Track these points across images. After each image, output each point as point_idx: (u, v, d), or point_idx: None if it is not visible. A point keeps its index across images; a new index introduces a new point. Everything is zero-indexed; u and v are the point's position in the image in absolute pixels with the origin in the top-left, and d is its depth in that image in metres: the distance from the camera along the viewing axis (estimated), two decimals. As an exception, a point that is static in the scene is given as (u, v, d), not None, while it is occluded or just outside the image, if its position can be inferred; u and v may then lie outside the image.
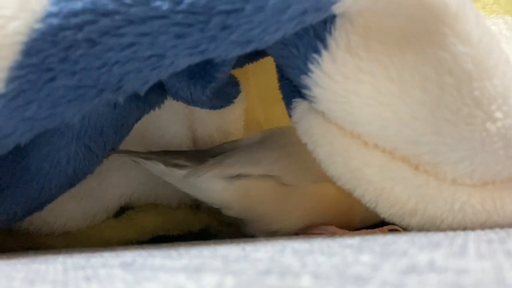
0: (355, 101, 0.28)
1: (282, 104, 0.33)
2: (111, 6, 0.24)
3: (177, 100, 0.35)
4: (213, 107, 0.36)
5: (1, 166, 0.30)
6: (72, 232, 0.41)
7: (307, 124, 0.31)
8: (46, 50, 0.24)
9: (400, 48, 0.28)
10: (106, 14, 0.24)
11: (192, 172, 0.35)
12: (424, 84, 0.27)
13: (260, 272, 0.16)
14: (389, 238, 0.24)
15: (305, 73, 0.29)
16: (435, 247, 0.20)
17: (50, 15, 0.24)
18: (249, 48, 0.26)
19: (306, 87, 0.29)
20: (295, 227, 0.35)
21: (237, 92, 0.38)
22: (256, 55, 0.35)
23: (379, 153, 0.29)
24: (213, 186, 0.35)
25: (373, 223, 0.36)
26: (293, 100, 0.31)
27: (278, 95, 0.33)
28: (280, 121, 0.40)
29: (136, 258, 0.22)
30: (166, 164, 0.35)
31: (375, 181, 0.29)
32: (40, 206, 0.35)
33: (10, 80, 0.24)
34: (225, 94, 0.37)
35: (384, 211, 0.30)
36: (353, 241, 0.24)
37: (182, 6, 0.24)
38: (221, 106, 0.37)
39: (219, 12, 0.24)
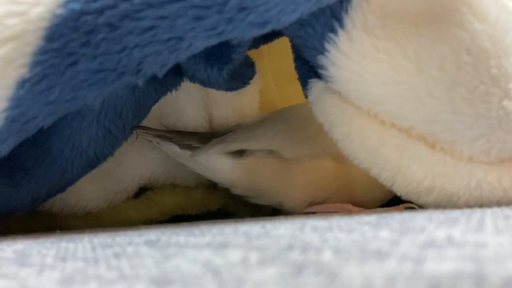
0: (372, 80, 0.28)
1: (296, 83, 0.33)
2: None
3: (194, 82, 0.35)
4: (229, 88, 0.37)
5: (24, 149, 0.31)
6: (93, 213, 0.42)
7: (323, 104, 0.31)
8: (67, 35, 0.25)
9: (417, 27, 0.28)
10: None
11: (198, 151, 0.36)
12: (441, 63, 0.28)
13: (283, 247, 0.17)
14: (407, 215, 0.25)
15: (322, 53, 0.29)
16: (453, 223, 0.21)
17: (71, 0, 0.24)
18: (266, 29, 0.26)
19: (322, 67, 0.29)
20: (298, 201, 0.36)
21: (253, 73, 0.38)
22: (272, 35, 0.35)
23: (396, 132, 0.29)
24: (219, 165, 0.37)
25: (379, 203, 0.37)
26: (309, 80, 0.32)
27: (292, 74, 0.33)
28: (294, 101, 0.40)
29: (160, 236, 0.23)
30: (180, 145, 0.36)
31: (392, 160, 0.29)
32: (62, 188, 0.35)
33: (34, 65, 0.25)
34: (240, 75, 0.37)
35: (401, 189, 0.30)
36: (370, 219, 0.24)
37: None
38: (237, 88, 0.38)
39: None
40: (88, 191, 0.40)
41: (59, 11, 0.24)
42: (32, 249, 0.23)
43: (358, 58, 0.28)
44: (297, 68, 0.33)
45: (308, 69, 0.31)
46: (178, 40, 0.25)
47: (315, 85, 0.31)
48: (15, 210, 0.35)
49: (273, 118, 0.37)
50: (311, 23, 0.29)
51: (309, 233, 0.20)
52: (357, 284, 0.12)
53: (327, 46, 0.28)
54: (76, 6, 0.24)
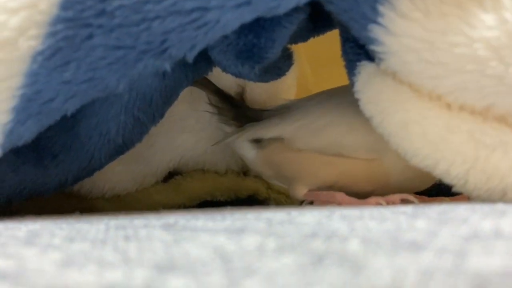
0: (440, 42, 0.23)
1: (330, 67, 0.30)
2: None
3: (226, 72, 0.33)
4: (263, 80, 0.35)
5: (52, 134, 0.30)
6: (122, 195, 0.41)
7: (374, 90, 0.27)
8: (82, 2, 0.23)
9: None
10: None
11: (224, 138, 0.35)
12: None
13: (305, 235, 0.15)
14: (446, 206, 0.23)
15: (374, 21, 0.24)
16: (500, 215, 0.18)
17: None
18: None
19: (375, 41, 0.25)
20: (300, 196, 0.34)
21: (290, 65, 0.35)
22: (323, 27, 0.31)
23: (467, 116, 0.24)
24: (246, 152, 0.35)
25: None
26: (358, 63, 0.28)
27: (328, 58, 0.30)
28: (329, 84, 0.38)
29: (178, 220, 0.22)
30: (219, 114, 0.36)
31: (465, 150, 0.25)
32: (90, 173, 0.35)
33: (47, 36, 0.24)
34: (276, 68, 0.35)
35: (478, 187, 0.25)
36: (406, 209, 0.22)
37: None
38: (272, 79, 0.35)
39: None
40: (116, 173, 0.40)
41: None
42: (45, 229, 0.22)
43: (421, 16, 0.23)
44: (344, 52, 0.29)
45: (357, 52, 0.27)
46: (202, 10, 0.23)
47: (365, 68, 0.27)
48: (42, 192, 0.35)
49: (292, 107, 0.35)
50: None
51: (336, 220, 0.18)
52: (385, 279, 0.10)
53: (381, 9, 0.24)
54: None
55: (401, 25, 0.24)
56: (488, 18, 0.23)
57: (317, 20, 0.30)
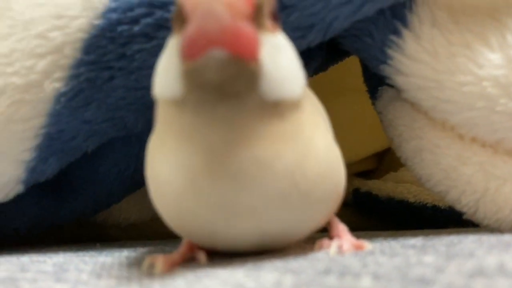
0: (448, 82, 0.24)
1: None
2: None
3: None
4: None
5: (73, 170, 0.31)
6: (137, 224, 0.42)
7: (393, 114, 0.28)
8: (104, 46, 0.25)
9: (494, 17, 0.24)
10: (161, 6, 0.24)
11: None
12: None
13: (320, 271, 0.16)
14: (455, 237, 0.23)
15: (384, 62, 0.26)
16: (506, 248, 0.19)
17: (110, 10, 0.24)
18: (313, 35, 0.25)
19: (388, 78, 0.26)
20: None
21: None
22: (342, 54, 0.32)
23: (479, 148, 0.25)
24: None
25: None
26: (379, 88, 0.29)
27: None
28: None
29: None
30: None
31: (475, 181, 0.25)
32: (107, 206, 0.36)
33: (71, 78, 0.25)
34: None
35: (488, 217, 0.26)
36: (416, 241, 0.23)
37: None
38: None
39: None
40: (131, 203, 0.41)
41: (98, 21, 0.24)
42: (71, 262, 0.23)
43: (429, 58, 0.24)
44: (366, 77, 0.30)
45: (378, 77, 0.28)
46: None
47: (386, 92, 0.28)
48: (61, 223, 0.36)
49: None
50: (368, 30, 0.26)
51: (349, 256, 0.19)
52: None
53: (389, 52, 0.25)
54: (114, 15, 0.24)
55: (410, 66, 0.25)
56: (495, 57, 0.24)
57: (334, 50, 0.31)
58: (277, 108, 0.18)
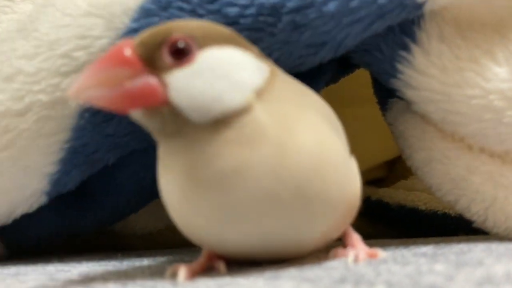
0: (457, 95, 0.25)
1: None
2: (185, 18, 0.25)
3: None
4: None
5: (93, 181, 0.32)
6: (153, 233, 0.43)
7: (403, 125, 0.29)
8: None
9: (500, 33, 0.25)
10: None
11: None
12: None
13: (335, 280, 0.17)
14: (465, 246, 0.24)
15: (394, 76, 0.27)
16: (513, 256, 0.20)
17: (131, 30, 0.26)
18: (325, 52, 0.26)
19: (398, 92, 0.27)
20: None
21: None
22: (352, 67, 0.32)
23: (487, 158, 0.26)
24: None
25: None
26: (389, 100, 0.30)
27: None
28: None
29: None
30: None
31: (484, 190, 0.26)
32: (126, 216, 0.37)
33: None
34: None
35: (497, 225, 0.26)
36: (427, 249, 0.24)
37: (251, 10, 0.25)
38: None
39: (289, 10, 0.24)
40: (147, 211, 0.41)
41: (119, 41, 0.25)
42: (95, 272, 0.24)
43: (438, 72, 0.25)
44: (376, 89, 0.31)
45: (387, 89, 0.29)
46: None
47: (396, 104, 0.29)
48: (80, 233, 0.37)
49: None
50: (378, 45, 0.27)
51: (363, 265, 0.20)
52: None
53: (399, 67, 0.26)
54: (134, 36, 0.25)
55: (419, 80, 0.26)
56: (502, 71, 0.25)
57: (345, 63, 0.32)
58: (222, 121, 0.19)
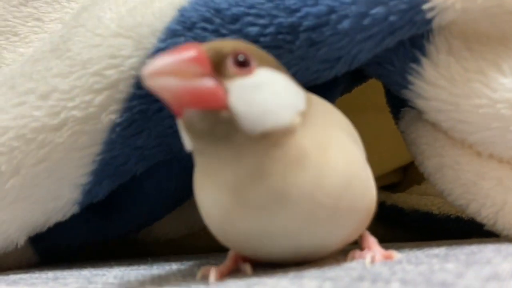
0: (465, 105, 0.26)
1: None
2: (209, 39, 0.27)
3: None
4: None
5: (120, 190, 0.34)
6: (176, 239, 0.45)
7: (415, 133, 0.30)
8: None
9: (505, 45, 0.27)
10: None
11: None
12: None
13: (354, 278, 0.19)
14: (475, 247, 0.26)
15: (406, 87, 0.28)
16: (520, 256, 0.21)
17: (158, 50, 0.27)
18: (339, 66, 0.27)
19: (409, 102, 0.29)
20: None
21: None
22: (365, 77, 0.34)
23: (496, 164, 0.28)
24: None
25: None
26: (401, 109, 0.31)
27: None
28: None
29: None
30: None
31: (494, 194, 0.28)
32: (150, 224, 0.39)
33: (125, 110, 0.28)
34: None
35: (507, 228, 0.28)
36: (440, 251, 0.25)
37: (270, 29, 0.26)
38: None
39: (306, 28, 0.26)
40: (170, 218, 0.43)
41: (148, 60, 0.27)
42: (129, 275, 0.26)
43: (447, 84, 0.27)
44: (388, 98, 0.33)
45: (400, 99, 0.30)
46: None
47: (408, 113, 0.31)
48: (106, 241, 0.39)
49: None
50: (389, 58, 0.28)
51: (379, 265, 0.21)
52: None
53: (410, 78, 0.28)
54: None
55: (429, 91, 0.28)
56: (508, 82, 0.26)
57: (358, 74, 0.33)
58: (269, 138, 0.20)
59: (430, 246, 0.28)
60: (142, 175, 0.35)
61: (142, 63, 0.27)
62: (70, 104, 0.28)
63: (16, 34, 0.37)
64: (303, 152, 0.21)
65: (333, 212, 0.21)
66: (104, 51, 0.28)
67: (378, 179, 0.57)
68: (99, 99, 0.28)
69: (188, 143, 0.21)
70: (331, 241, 0.23)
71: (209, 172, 0.21)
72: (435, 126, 0.29)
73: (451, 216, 0.41)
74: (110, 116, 0.28)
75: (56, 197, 0.31)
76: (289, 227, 0.21)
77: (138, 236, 0.44)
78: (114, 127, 0.29)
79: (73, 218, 0.33)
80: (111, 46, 0.28)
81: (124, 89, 0.28)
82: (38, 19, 0.38)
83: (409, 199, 0.47)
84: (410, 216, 0.46)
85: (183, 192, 0.37)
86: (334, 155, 0.21)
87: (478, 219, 0.29)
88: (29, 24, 0.38)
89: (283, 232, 0.21)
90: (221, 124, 0.20)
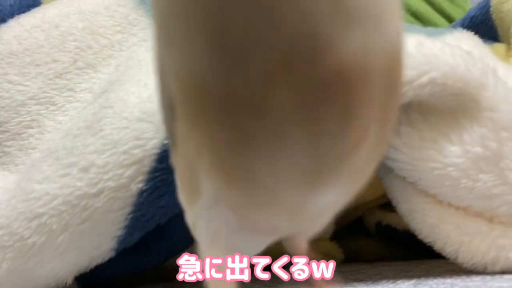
0: (423, 167, 0.32)
1: None
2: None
3: None
4: None
5: (148, 234, 0.41)
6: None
7: (389, 182, 0.36)
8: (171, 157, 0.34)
9: (455, 118, 0.33)
10: None
11: None
12: (483, 142, 0.32)
13: None
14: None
15: None
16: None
17: None
18: None
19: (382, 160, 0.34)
20: None
21: None
22: None
23: (454, 211, 0.33)
24: None
25: None
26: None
27: None
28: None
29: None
30: None
31: (453, 236, 0.33)
32: (174, 256, 0.45)
33: (149, 180, 0.35)
34: None
35: (466, 261, 0.33)
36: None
37: None
38: None
39: None
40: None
41: (168, 141, 0.34)
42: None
43: (407, 150, 0.33)
44: None
45: None
46: None
47: (384, 165, 0.35)
48: (135, 274, 0.45)
49: None
50: None
51: None
52: None
53: None
54: None
55: (394, 154, 0.34)
56: (456, 149, 0.32)
57: None
58: None
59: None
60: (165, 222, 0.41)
61: (162, 143, 0.34)
62: (106, 177, 0.35)
63: (54, 104, 0.44)
64: None
65: None
66: (130, 133, 0.34)
67: (376, 198, 0.63)
68: (128, 172, 0.34)
69: None
70: None
71: None
72: (405, 178, 0.35)
73: None
74: (137, 185, 0.35)
75: (97, 247, 0.37)
76: None
77: (164, 265, 0.50)
78: (141, 193, 0.35)
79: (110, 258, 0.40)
80: (136, 130, 0.34)
81: (148, 164, 0.34)
82: (70, 89, 0.44)
83: (401, 220, 0.53)
84: (402, 235, 0.51)
85: None
86: None
87: (443, 254, 0.35)
88: (63, 94, 0.44)
89: None
90: None
